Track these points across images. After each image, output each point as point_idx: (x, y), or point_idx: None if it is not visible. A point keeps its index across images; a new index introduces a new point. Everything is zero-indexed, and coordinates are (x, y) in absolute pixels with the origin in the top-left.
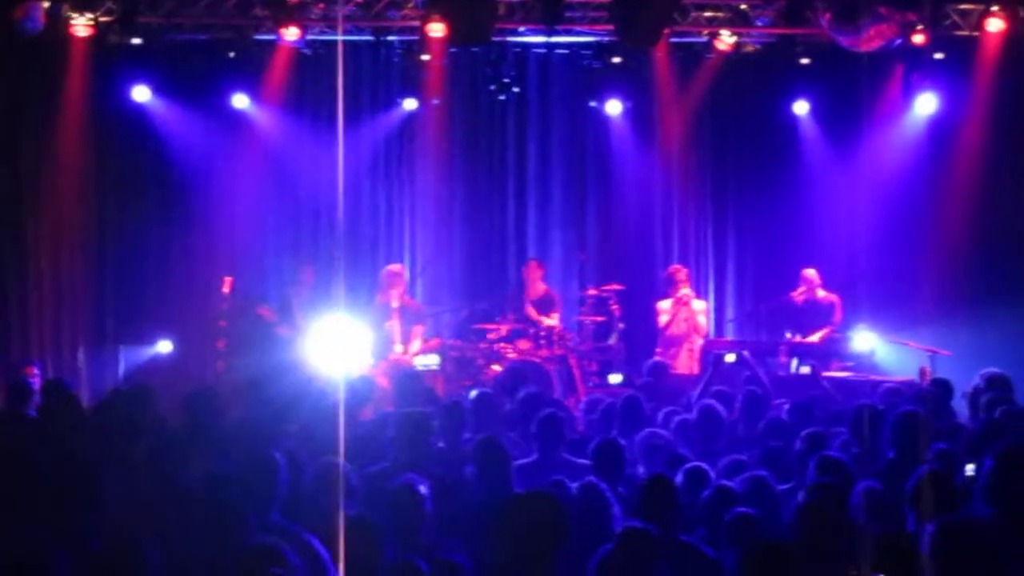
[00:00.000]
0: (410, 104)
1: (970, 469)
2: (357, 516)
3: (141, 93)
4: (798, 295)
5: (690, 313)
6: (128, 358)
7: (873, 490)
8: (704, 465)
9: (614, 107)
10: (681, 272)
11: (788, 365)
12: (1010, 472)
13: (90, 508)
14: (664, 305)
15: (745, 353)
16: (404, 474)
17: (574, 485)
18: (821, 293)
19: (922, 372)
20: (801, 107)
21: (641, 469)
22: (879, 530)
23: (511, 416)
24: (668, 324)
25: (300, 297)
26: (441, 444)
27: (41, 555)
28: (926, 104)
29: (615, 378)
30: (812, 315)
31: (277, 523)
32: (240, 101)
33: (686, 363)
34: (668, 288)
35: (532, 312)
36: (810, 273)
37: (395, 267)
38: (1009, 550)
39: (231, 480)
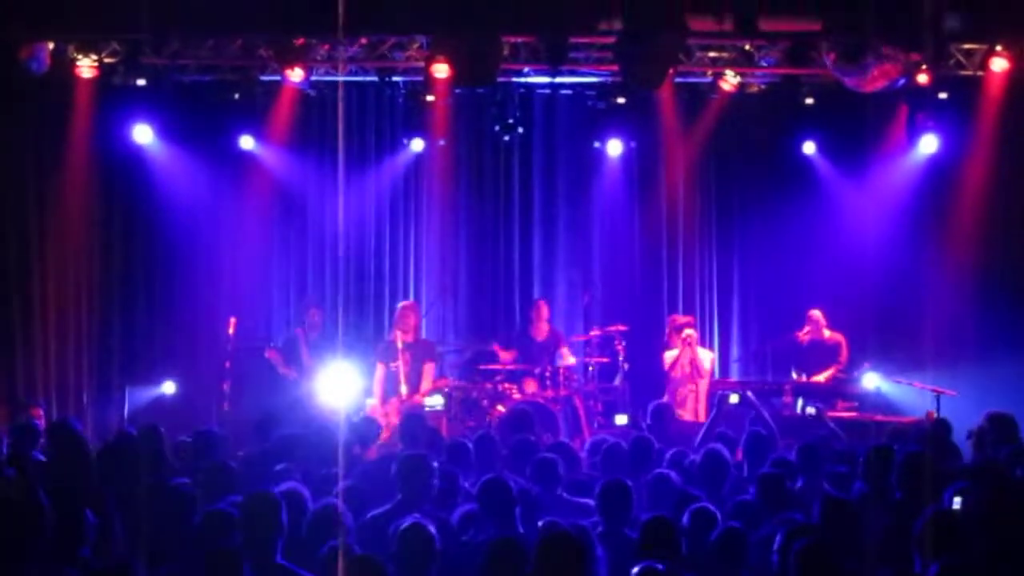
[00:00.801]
0: (415, 145)
1: (957, 502)
2: (361, 557)
3: (146, 134)
4: (803, 335)
5: (694, 355)
6: (133, 399)
7: (881, 531)
8: (711, 506)
9: (619, 147)
10: (678, 321)
11: (793, 406)
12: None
13: (95, 548)
14: (670, 354)
15: (749, 394)
16: (411, 515)
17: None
18: (827, 333)
19: (928, 415)
20: (806, 147)
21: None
22: (888, 572)
23: (507, 459)
24: (672, 366)
25: (308, 339)
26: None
27: None
28: (930, 144)
29: (621, 419)
30: (818, 355)
31: (279, 564)
32: (245, 142)
33: (692, 406)
34: (671, 337)
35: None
36: (816, 313)
37: (405, 304)
38: None
39: (232, 520)
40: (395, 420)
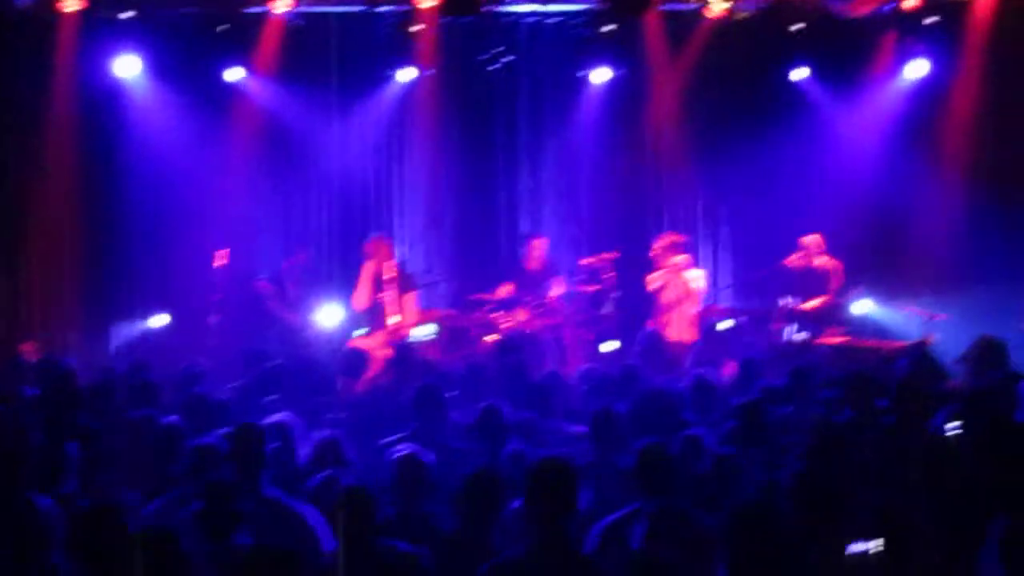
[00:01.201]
0: (404, 75)
1: (953, 427)
2: (353, 486)
3: (131, 67)
4: (795, 261)
5: (683, 280)
6: (121, 334)
7: (872, 457)
8: (702, 431)
9: (606, 75)
10: (659, 243)
11: (783, 332)
12: None
13: (83, 483)
14: (655, 275)
15: (740, 320)
16: (406, 444)
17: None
18: (819, 260)
19: (926, 338)
20: (795, 73)
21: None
22: (878, 497)
23: (500, 386)
24: (660, 290)
25: (294, 275)
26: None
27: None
28: (918, 69)
29: (608, 345)
30: (809, 282)
31: (271, 496)
32: (232, 74)
33: (679, 329)
34: (661, 256)
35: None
36: (808, 239)
37: (379, 236)
38: None
39: (219, 453)
40: (384, 352)
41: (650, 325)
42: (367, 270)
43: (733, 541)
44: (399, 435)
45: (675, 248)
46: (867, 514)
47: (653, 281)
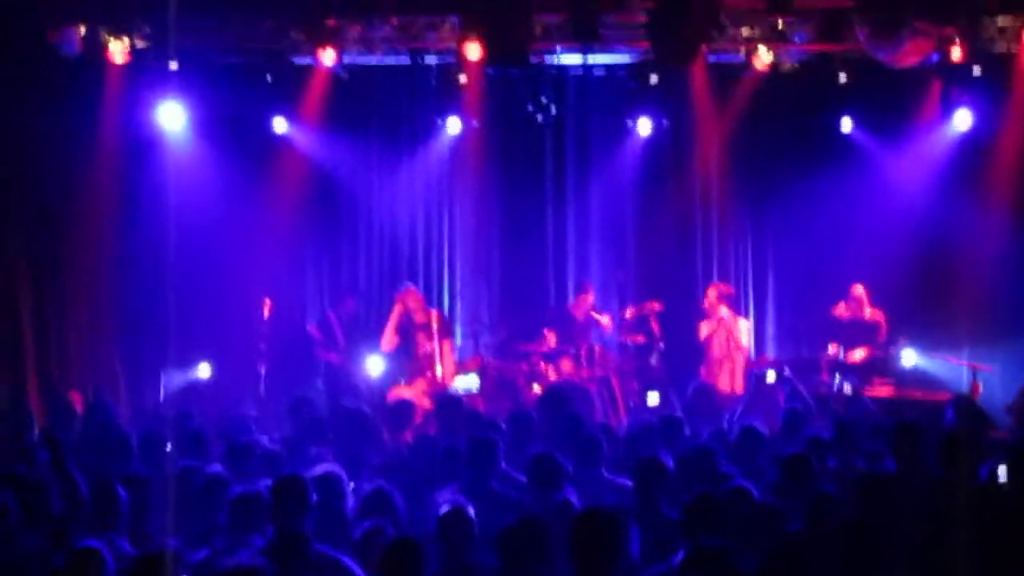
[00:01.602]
0: (448, 126)
1: (1003, 473)
2: (401, 536)
3: (177, 116)
4: (843, 311)
5: (730, 332)
6: (169, 382)
7: (918, 508)
8: (747, 483)
9: (652, 127)
10: (712, 292)
11: (830, 383)
12: None
13: (131, 533)
14: (707, 324)
15: (786, 371)
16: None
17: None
18: (868, 311)
19: (973, 388)
20: (841, 124)
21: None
22: (925, 549)
23: (549, 437)
24: (709, 339)
25: (342, 323)
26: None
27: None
28: (964, 120)
29: (653, 398)
30: (856, 332)
31: (317, 548)
32: (278, 125)
33: (728, 381)
34: (711, 307)
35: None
36: (859, 290)
37: (411, 286)
38: None
39: (263, 503)
40: (427, 402)
41: (701, 374)
42: (394, 315)
43: None
44: (450, 487)
45: (725, 299)
46: (914, 566)
47: (703, 329)
